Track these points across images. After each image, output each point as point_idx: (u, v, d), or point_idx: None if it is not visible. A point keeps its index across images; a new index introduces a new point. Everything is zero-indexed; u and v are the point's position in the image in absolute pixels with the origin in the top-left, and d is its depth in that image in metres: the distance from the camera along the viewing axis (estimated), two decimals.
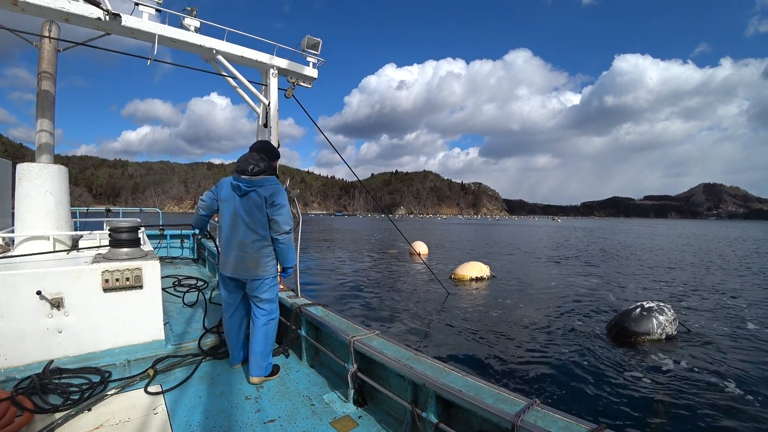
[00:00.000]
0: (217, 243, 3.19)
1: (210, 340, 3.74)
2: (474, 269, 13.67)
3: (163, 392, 2.81)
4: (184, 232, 9.32)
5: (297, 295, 3.94)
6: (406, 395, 2.40)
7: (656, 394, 5.12)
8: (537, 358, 6.48)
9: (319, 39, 4.53)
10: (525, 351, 6.77)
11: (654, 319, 7.35)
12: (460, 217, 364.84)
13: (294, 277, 3.94)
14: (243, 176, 3.00)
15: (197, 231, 3.62)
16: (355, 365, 2.78)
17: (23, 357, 3.05)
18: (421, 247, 20.47)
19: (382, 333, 2.95)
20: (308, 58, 4.61)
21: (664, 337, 7.28)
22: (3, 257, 3.62)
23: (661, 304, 7.74)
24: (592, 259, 21.00)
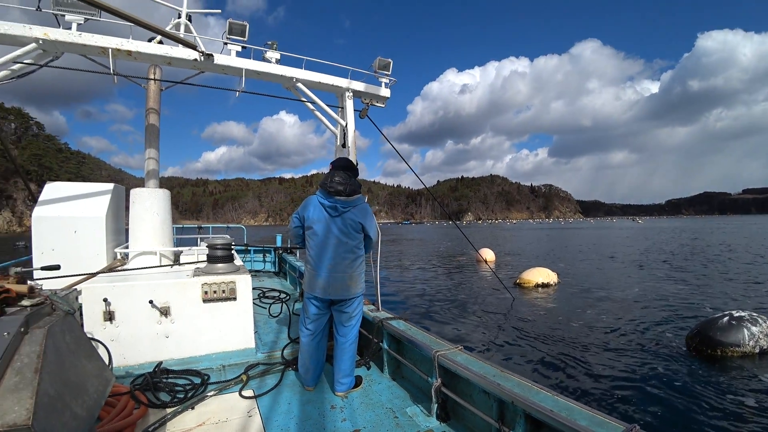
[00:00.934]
0: (309, 265, 3.18)
1: (294, 350, 4.00)
2: (540, 275, 13.23)
3: (256, 397, 3.06)
4: (266, 246, 10.00)
5: (378, 309, 4.03)
6: (491, 412, 2.37)
7: (750, 420, 4.53)
8: (612, 372, 6.03)
9: (389, 60, 4.74)
10: (598, 364, 6.33)
11: (745, 330, 6.45)
12: (531, 221, 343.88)
13: (375, 291, 4.08)
14: (339, 197, 2.98)
15: (300, 247, 3.54)
16: (439, 380, 2.78)
17: (138, 357, 3.49)
18: (488, 254, 20.16)
19: (464, 348, 2.93)
20: (380, 79, 4.83)
21: (757, 350, 6.35)
22: (121, 270, 4.19)
23: (755, 314, 6.79)
24: (680, 263, 19.07)
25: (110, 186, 4.82)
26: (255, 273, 9.15)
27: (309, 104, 4.58)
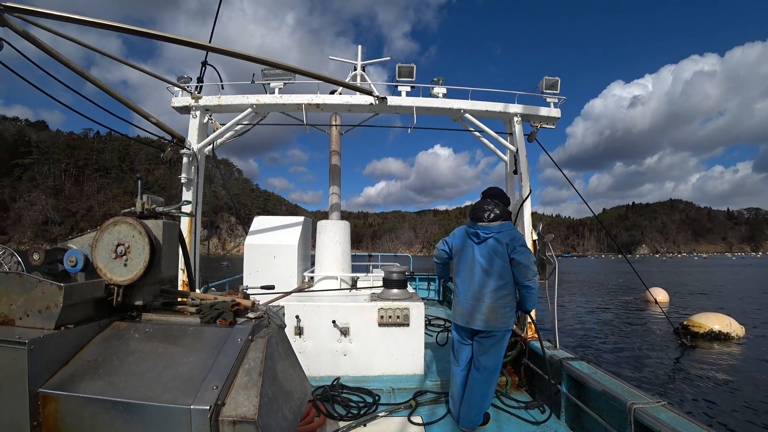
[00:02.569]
0: (455, 293, 3.20)
1: None
2: (716, 321, 10.40)
3: (425, 424, 3.07)
4: (431, 275, 10.25)
5: (556, 347, 3.70)
6: None
7: None
8: None
9: (557, 78, 4.50)
10: None
11: None
12: (729, 255, 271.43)
13: (552, 327, 3.76)
14: (480, 223, 2.99)
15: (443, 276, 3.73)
16: None
17: (319, 370, 3.88)
18: (660, 294, 17.51)
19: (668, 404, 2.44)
20: (548, 99, 4.61)
21: None
22: (308, 291, 4.79)
23: None
24: None
25: (301, 219, 5.63)
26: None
27: (477, 133, 4.63)
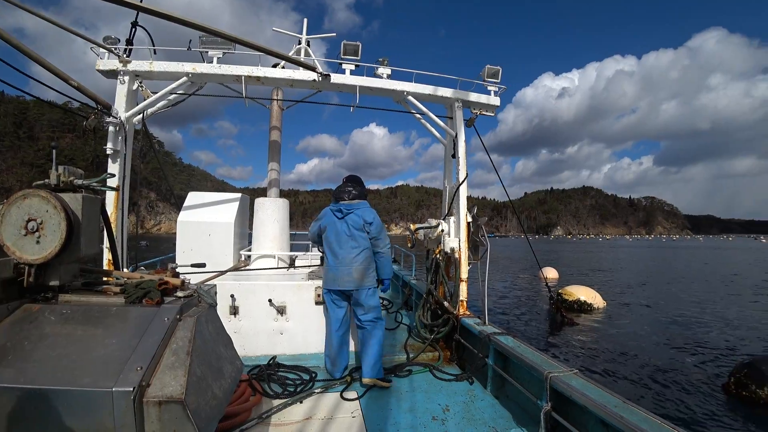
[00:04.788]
0: (325, 262, 3.68)
1: (398, 357, 4.08)
2: (584, 293, 12.47)
3: (359, 398, 3.18)
4: None
5: (484, 323, 3.93)
6: None
7: None
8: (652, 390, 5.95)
9: (498, 67, 4.65)
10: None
11: None
12: (628, 237, 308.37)
13: (481, 304, 3.99)
14: (342, 202, 3.61)
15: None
16: (549, 404, 2.60)
17: (255, 349, 3.86)
18: (550, 272, 21.26)
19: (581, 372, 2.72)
20: (489, 87, 4.76)
21: None
22: (245, 270, 4.69)
23: None
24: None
25: (238, 196, 5.45)
26: None
27: (418, 116, 4.69)
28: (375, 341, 3.51)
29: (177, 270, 1.88)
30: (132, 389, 1.15)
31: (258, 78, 4.39)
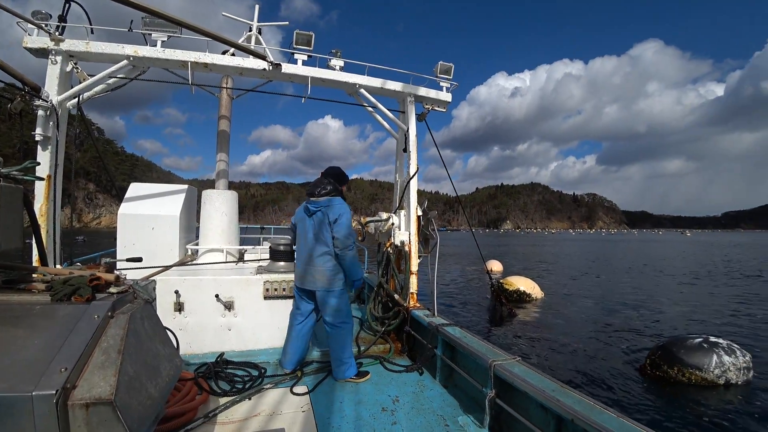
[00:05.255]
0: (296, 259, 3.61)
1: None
2: (523, 284, 13.22)
3: (309, 392, 3.17)
4: None
5: (434, 314, 4.03)
6: (548, 429, 2.29)
7: None
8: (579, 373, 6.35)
9: (451, 64, 4.73)
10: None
11: (715, 356, 5.80)
12: (571, 231, 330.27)
13: (431, 297, 4.08)
14: (312, 198, 3.40)
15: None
16: (493, 390, 2.71)
17: (202, 347, 3.75)
18: (495, 265, 21.97)
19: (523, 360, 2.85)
20: (441, 83, 4.83)
21: (722, 381, 5.68)
22: (191, 265, 4.52)
23: (736, 346, 6.08)
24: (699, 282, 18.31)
25: (184, 187, 5.22)
26: None
27: (370, 109, 4.68)
28: (340, 344, 3.43)
29: (112, 265, 1.78)
30: (55, 392, 1.08)
31: (205, 65, 4.22)
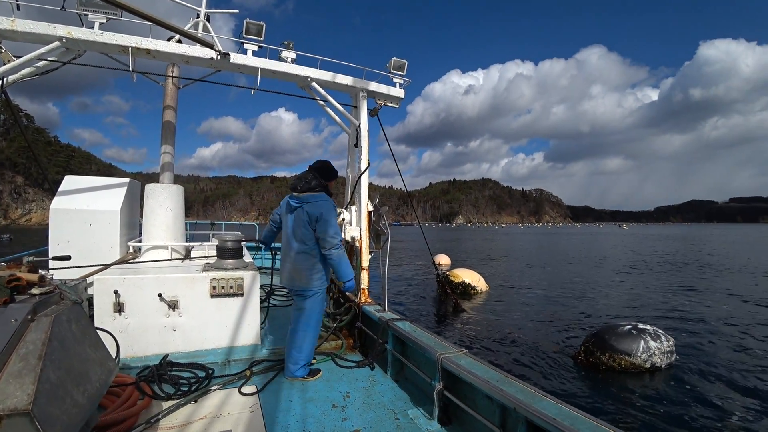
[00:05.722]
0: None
1: None
2: (468, 276, 13.69)
3: (258, 392, 3.09)
4: (276, 244, 10.10)
5: (384, 310, 4.03)
6: (494, 417, 2.35)
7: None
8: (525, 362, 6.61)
9: (404, 60, 4.74)
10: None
11: (642, 341, 6.24)
12: (520, 225, 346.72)
13: (381, 292, 4.09)
14: (294, 193, 3.28)
15: (261, 242, 3.91)
16: (441, 383, 2.76)
17: (145, 349, 3.56)
18: (443, 259, 22.22)
19: (470, 352, 2.91)
20: (395, 79, 4.83)
21: (648, 365, 6.13)
22: (133, 262, 4.28)
23: (662, 331, 6.59)
24: (630, 271, 20.16)
25: (126, 180, 4.93)
26: (266, 270, 9.26)
27: (322, 102, 4.61)
28: (298, 345, 3.33)
29: (38, 264, 1.65)
30: None
31: (148, 51, 3.98)
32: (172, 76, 4.96)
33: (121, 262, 4.19)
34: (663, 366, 6.24)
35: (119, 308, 3.47)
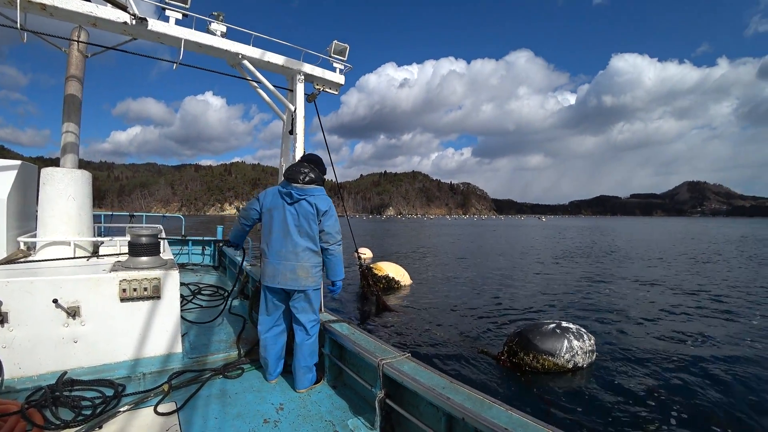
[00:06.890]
0: (263, 253, 3.16)
1: (229, 354, 3.61)
2: (392, 270, 13.59)
3: (177, 410, 2.67)
4: (206, 238, 9.31)
5: (321, 310, 3.73)
6: (439, 427, 2.20)
7: None
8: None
9: (346, 45, 4.41)
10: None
11: (566, 341, 6.24)
12: (448, 217, 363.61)
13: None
14: (295, 184, 3.04)
15: (231, 242, 3.63)
16: (383, 390, 2.57)
17: (37, 366, 2.96)
18: (365, 252, 22.37)
19: (413, 356, 2.73)
20: (335, 64, 4.49)
21: (570, 365, 6.13)
22: (23, 262, 3.59)
23: (584, 330, 6.67)
24: (547, 261, 21.38)
25: (16, 163, 4.15)
26: (192, 267, 8.52)
27: (254, 84, 4.16)
28: (311, 349, 3.14)
29: None
30: None
31: (43, 6, 3.29)
32: (78, 41, 4.22)
33: (7, 261, 3.49)
34: (584, 365, 6.23)
35: (2, 318, 2.85)
